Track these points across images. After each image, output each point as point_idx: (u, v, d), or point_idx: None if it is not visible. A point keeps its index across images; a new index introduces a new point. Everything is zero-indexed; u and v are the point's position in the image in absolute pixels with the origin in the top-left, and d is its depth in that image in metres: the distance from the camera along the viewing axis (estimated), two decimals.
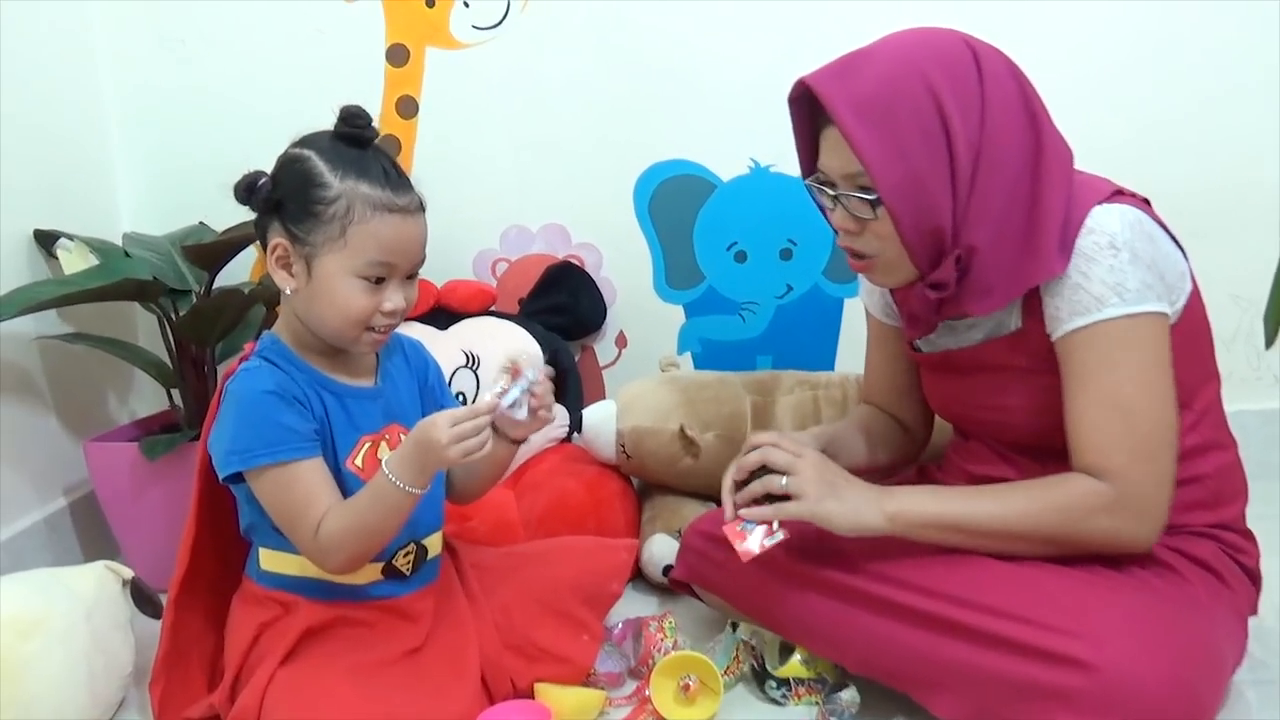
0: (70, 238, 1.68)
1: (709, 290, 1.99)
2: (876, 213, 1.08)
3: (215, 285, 1.69)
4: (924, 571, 1.11)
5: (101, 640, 1.24)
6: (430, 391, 1.28)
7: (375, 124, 1.11)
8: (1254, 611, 1.18)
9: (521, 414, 1.11)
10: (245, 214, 1.14)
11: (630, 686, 1.29)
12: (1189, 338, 1.08)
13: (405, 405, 1.22)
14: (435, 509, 1.25)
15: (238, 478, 1.10)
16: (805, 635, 1.22)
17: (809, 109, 1.13)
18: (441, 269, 1.85)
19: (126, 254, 1.74)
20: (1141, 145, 1.81)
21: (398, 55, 1.91)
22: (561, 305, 1.91)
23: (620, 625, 1.36)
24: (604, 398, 1.90)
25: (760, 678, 1.26)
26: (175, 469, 1.54)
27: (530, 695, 1.21)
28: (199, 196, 1.62)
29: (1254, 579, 1.18)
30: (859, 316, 1.47)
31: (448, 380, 1.43)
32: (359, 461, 1.15)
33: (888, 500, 1.12)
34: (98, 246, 1.70)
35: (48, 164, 1.76)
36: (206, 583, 1.24)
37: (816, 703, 1.22)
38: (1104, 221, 1.05)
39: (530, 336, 1.83)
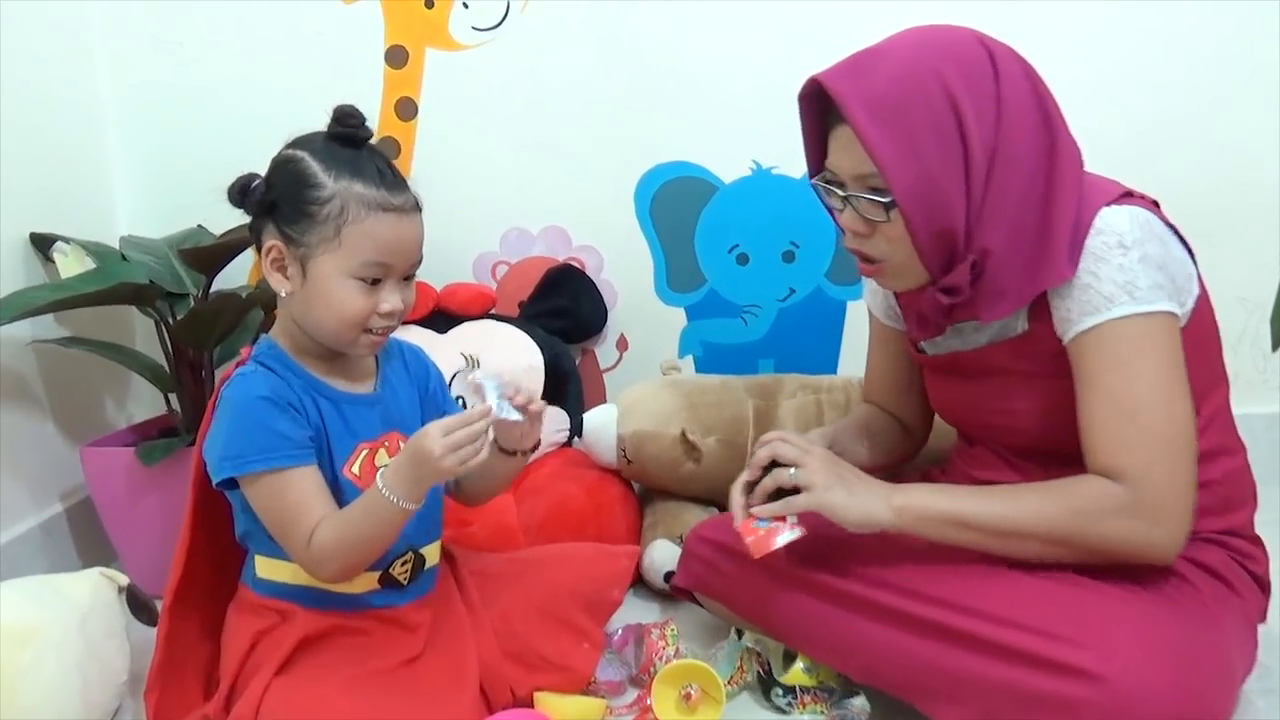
0: (67, 241, 1.67)
1: (710, 293, 1.98)
2: (889, 215, 1.06)
3: (213, 289, 1.68)
4: (929, 579, 1.09)
5: (96, 648, 1.23)
6: (431, 398, 1.27)
7: (369, 124, 1.10)
8: (1263, 619, 1.17)
9: (512, 414, 1.08)
10: (243, 217, 1.13)
11: (631, 695, 1.28)
12: (1197, 342, 1.06)
13: (405, 412, 1.21)
14: (434, 518, 1.23)
15: (232, 484, 1.09)
16: (808, 643, 1.20)
17: (819, 106, 1.11)
18: (441, 272, 1.86)
19: (123, 257, 1.73)
20: (1145, 146, 1.80)
21: (397, 57, 1.90)
22: (562, 308, 1.90)
23: (621, 632, 1.35)
24: (605, 401, 1.89)
25: (766, 685, 1.25)
26: (172, 474, 1.52)
27: (530, 704, 1.19)
28: (197, 199, 1.60)
29: (1263, 586, 1.17)
30: (862, 319, 1.46)
31: (448, 384, 1.41)
32: (356, 469, 1.13)
33: (896, 494, 1.10)
34: (94, 250, 1.69)
35: (45, 166, 1.75)
36: (202, 590, 1.22)
37: (822, 712, 1.21)
38: (1113, 222, 1.03)
39: (530, 340, 1.82)
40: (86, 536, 1.75)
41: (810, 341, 1.98)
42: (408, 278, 1.12)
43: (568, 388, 1.83)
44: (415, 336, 1.70)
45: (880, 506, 1.09)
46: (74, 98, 1.85)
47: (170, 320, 1.66)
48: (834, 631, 1.15)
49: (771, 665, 1.25)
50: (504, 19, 1.88)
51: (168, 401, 1.74)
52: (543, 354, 1.80)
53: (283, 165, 1.09)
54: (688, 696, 1.20)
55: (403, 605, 1.18)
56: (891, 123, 1.02)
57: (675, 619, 1.38)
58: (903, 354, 1.34)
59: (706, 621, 1.42)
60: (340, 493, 1.11)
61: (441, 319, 1.82)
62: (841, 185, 1.10)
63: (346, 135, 1.09)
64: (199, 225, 1.86)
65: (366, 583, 1.15)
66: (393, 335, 1.17)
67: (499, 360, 1.75)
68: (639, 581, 1.56)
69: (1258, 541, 1.18)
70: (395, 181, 1.09)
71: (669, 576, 1.47)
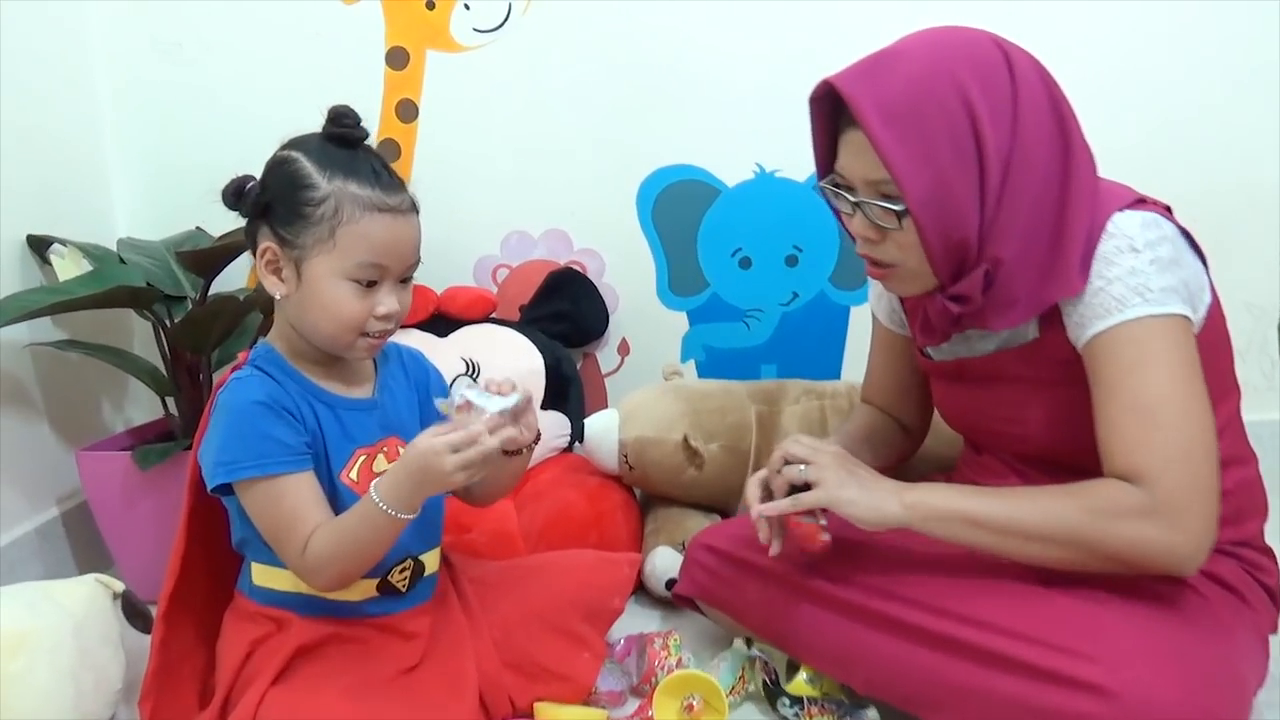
0: (64, 243, 1.65)
1: (713, 297, 1.97)
2: (902, 223, 1.04)
3: (211, 291, 1.66)
4: (935, 590, 1.07)
5: (90, 656, 1.21)
6: (431, 403, 1.25)
7: (365, 124, 1.09)
8: (1275, 630, 1.15)
9: (510, 401, 1.04)
10: (241, 219, 1.11)
11: (633, 705, 1.26)
12: (1209, 350, 1.04)
13: (403, 417, 1.19)
14: (434, 525, 1.22)
15: (227, 490, 1.08)
16: (812, 654, 1.19)
17: (830, 108, 1.09)
18: (441, 275, 1.85)
19: (121, 260, 1.72)
20: (1150, 149, 1.78)
21: (398, 58, 1.89)
22: (563, 312, 1.89)
23: (622, 642, 1.33)
24: (606, 406, 1.88)
25: (773, 695, 1.23)
26: (169, 479, 1.51)
27: (529, 714, 1.18)
28: (195, 201, 1.59)
29: (1274, 597, 1.15)
30: (865, 324, 1.45)
31: (448, 388, 1.39)
32: (353, 475, 1.12)
33: (908, 491, 1.07)
34: (92, 252, 1.67)
35: (42, 168, 1.73)
36: (198, 597, 1.21)
37: None
38: (1125, 226, 1.02)
39: (531, 344, 1.81)
40: (82, 541, 1.73)
41: (813, 346, 1.97)
42: (405, 280, 1.11)
43: (569, 392, 1.82)
44: (415, 340, 1.69)
45: (892, 502, 1.06)
46: (72, 98, 1.84)
47: (168, 323, 1.64)
48: (838, 642, 1.14)
49: (779, 675, 1.24)
50: (505, 20, 1.87)
51: (165, 405, 1.72)
52: (544, 358, 1.80)
53: (277, 166, 1.08)
54: (690, 708, 1.18)
55: (401, 613, 1.17)
56: (906, 128, 0.99)
57: (677, 628, 1.37)
58: (904, 358, 1.33)
59: (709, 631, 1.41)
60: (338, 499, 1.10)
61: (442, 323, 1.81)
62: (851, 190, 1.08)
63: (341, 135, 1.07)
64: (197, 227, 1.85)
65: (364, 590, 1.14)
66: (391, 339, 1.15)
67: (500, 364, 1.74)
68: (640, 589, 1.55)
69: (1269, 552, 1.16)
70: (391, 182, 1.07)
71: (671, 584, 1.46)
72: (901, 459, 1.39)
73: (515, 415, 1.06)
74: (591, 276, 1.94)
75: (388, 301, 1.08)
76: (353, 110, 1.08)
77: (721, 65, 1.87)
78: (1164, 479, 0.97)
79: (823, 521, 1.11)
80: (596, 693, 1.25)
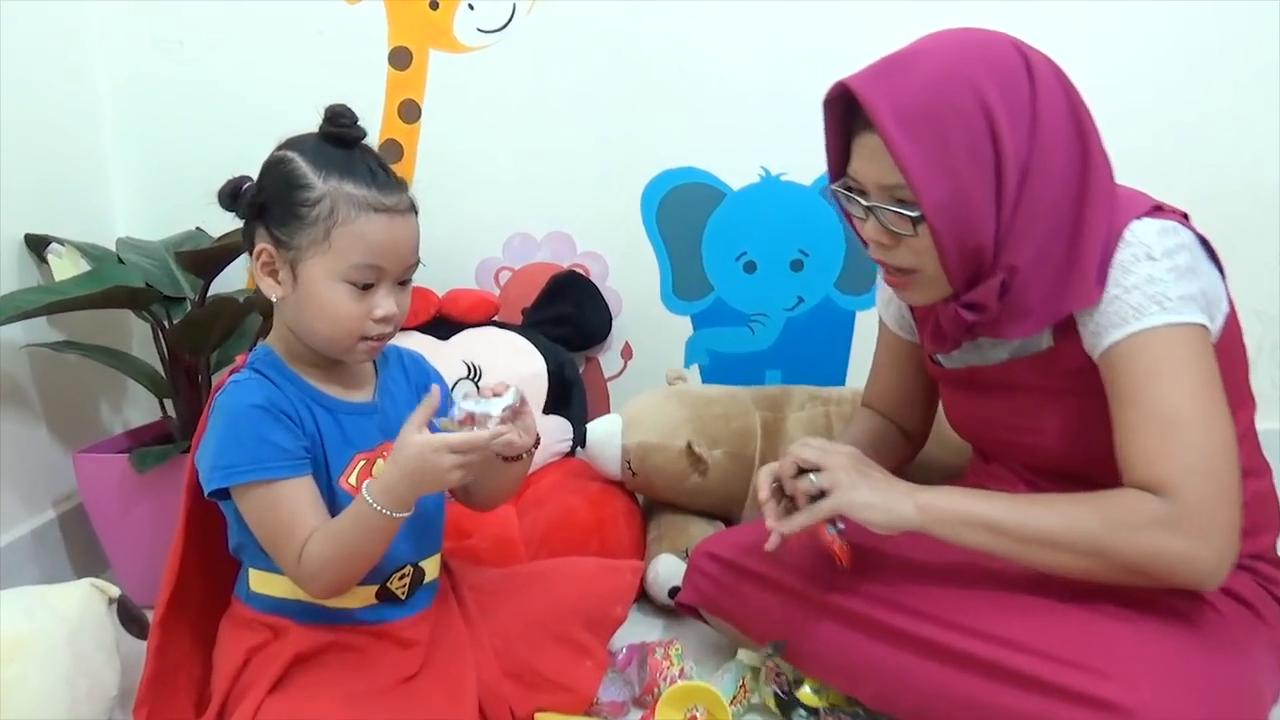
0: (62, 243, 1.64)
1: (717, 301, 1.95)
2: (917, 230, 1.02)
3: (211, 292, 1.65)
4: (945, 602, 1.06)
5: (84, 663, 1.20)
6: None
7: (362, 123, 1.07)
8: None
9: (507, 400, 1.04)
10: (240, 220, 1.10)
11: (635, 716, 1.25)
12: (1224, 361, 1.02)
13: (403, 421, 1.17)
14: (434, 532, 1.20)
15: (224, 494, 1.06)
16: (819, 666, 1.17)
17: (844, 110, 1.07)
18: (443, 277, 1.84)
19: (120, 260, 1.70)
20: (1155, 152, 1.76)
21: (400, 58, 1.88)
22: (566, 315, 1.87)
23: (625, 651, 1.31)
24: (609, 411, 1.86)
25: (786, 706, 1.21)
26: (167, 482, 1.49)
27: None
28: (195, 201, 1.59)
29: None
30: (871, 330, 1.43)
31: (450, 391, 1.38)
32: (353, 480, 1.10)
33: (922, 493, 1.05)
34: (90, 252, 1.66)
35: (41, 166, 1.72)
36: (195, 603, 1.19)
37: None
38: (1142, 234, 1.00)
39: (534, 347, 1.79)
40: (79, 544, 1.72)
41: (818, 352, 1.95)
42: (404, 282, 1.09)
43: (571, 397, 1.81)
44: (416, 343, 1.68)
45: (906, 504, 1.04)
46: (71, 96, 1.82)
47: (167, 324, 1.63)
48: (845, 655, 1.12)
49: (791, 685, 1.22)
50: (509, 21, 1.86)
51: (163, 407, 1.71)
52: (546, 362, 1.78)
53: (273, 167, 1.06)
54: (693, 719, 1.16)
55: (400, 621, 1.15)
56: (923, 133, 0.98)
57: (680, 637, 1.35)
58: (911, 363, 1.31)
59: (712, 640, 1.39)
60: (336, 505, 1.08)
61: (443, 325, 1.80)
62: (864, 194, 1.07)
63: (338, 135, 1.06)
64: (197, 228, 1.84)
65: (363, 598, 1.12)
66: (392, 342, 1.14)
67: (502, 368, 1.72)
68: (642, 597, 1.53)
69: None
70: (388, 181, 1.06)
71: (674, 592, 1.45)
72: (901, 464, 1.37)
73: (513, 415, 1.05)
74: (595, 279, 1.93)
75: (385, 304, 1.06)
76: (349, 109, 1.07)
77: (727, 66, 1.85)
78: (1186, 490, 0.94)
79: (841, 526, 1.09)
80: (598, 703, 1.23)
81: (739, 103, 1.86)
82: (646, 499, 1.74)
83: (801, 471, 1.10)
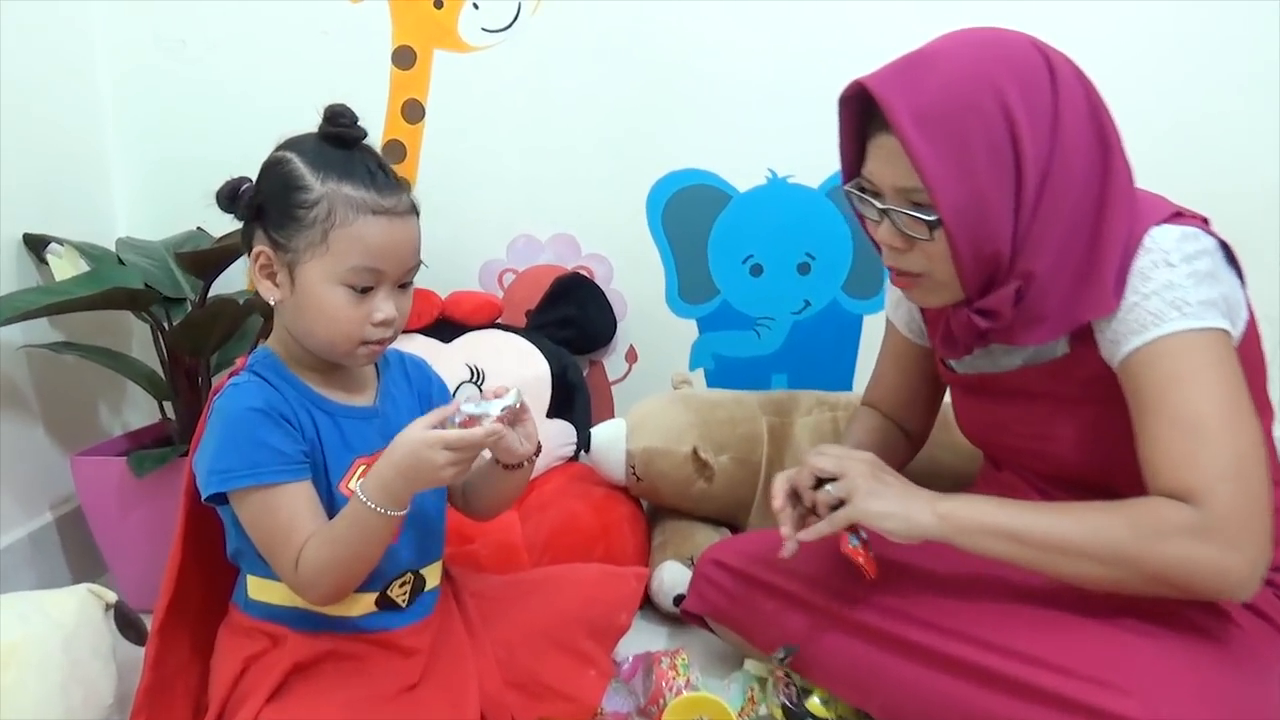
0: (61, 243, 1.63)
1: (723, 304, 1.93)
2: (933, 234, 1.00)
3: (211, 293, 1.63)
4: (960, 614, 1.03)
5: (80, 670, 1.19)
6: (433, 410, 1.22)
7: (362, 123, 1.05)
8: None
9: (506, 400, 1.04)
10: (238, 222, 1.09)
11: None
12: (1245, 369, 1.00)
13: (404, 426, 1.15)
14: (435, 538, 1.18)
15: (221, 499, 1.05)
16: (827, 676, 1.15)
17: (860, 110, 1.05)
18: (447, 279, 1.82)
19: (119, 260, 1.69)
20: (1159, 153, 1.73)
21: (404, 58, 1.86)
22: (570, 318, 1.86)
23: (630, 661, 1.30)
24: (613, 414, 1.85)
25: (794, 717, 1.19)
26: (166, 485, 1.48)
27: None
28: (196, 201, 1.58)
29: None
30: (878, 334, 1.42)
31: (452, 396, 1.36)
32: (353, 485, 1.08)
33: (941, 501, 1.03)
34: (90, 252, 1.64)
35: (41, 165, 1.71)
36: (193, 609, 1.18)
37: None
38: (1162, 240, 0.98)
39: (537, 350, 1.78)
40: (77, 548, 1.70)
41: (825, 356, 1.93)
42: (404, 285, 1.07)
43: (575, 400, 1.79)
44: (419, 346, 1.66)
45: (925, 513, 1.02)
46: (72, 94, 1.81)
47: (166, 326, 1.61)
48: (855, 665, 1.10)
49: (799, 695, 1.20)
50: (514, 21, 1.84)
51: (162, 410, 1.69)
52: (550, 365, 1.77)
53: (271, 168, 1.05)
54: None
55: (400, 629, 1.13)
56: (942, 136, 0.95)
57: (685, 645, 1.33)
58: (916, 366, 1.30)
59: (718, 649, 1.38)
60: (336, 510, 1.05)
61: (446, 328, 1.78)
62: (879, 196, 1.04)
63: (337, 135, 1.04)
64: (198, 228, 1.83)
65: (363, 605, 1.10)
66: (394, 345, 1.12)
67: (505, 371, 1.71)
68: (647, 604, 1.51)
69: None
70: (388, 182, 1.03)
71: (679, 599, 1.43)
72: (901, 465, 1.35)
73: (512, 416, 1.04)
74: (599, 282, 1.91)
75: (385, 307, 1.04)
76: (349, 109, 1.05)
77: (734, 67, 1.83)
78: (1217, 497, 0.92)
79: (864, 536, 1.07)
80: (602, 713, 1.21)
81: (746, 104, 1.84)
82: (651, 505, 1.72)
83: (820, 482, 1.08)
